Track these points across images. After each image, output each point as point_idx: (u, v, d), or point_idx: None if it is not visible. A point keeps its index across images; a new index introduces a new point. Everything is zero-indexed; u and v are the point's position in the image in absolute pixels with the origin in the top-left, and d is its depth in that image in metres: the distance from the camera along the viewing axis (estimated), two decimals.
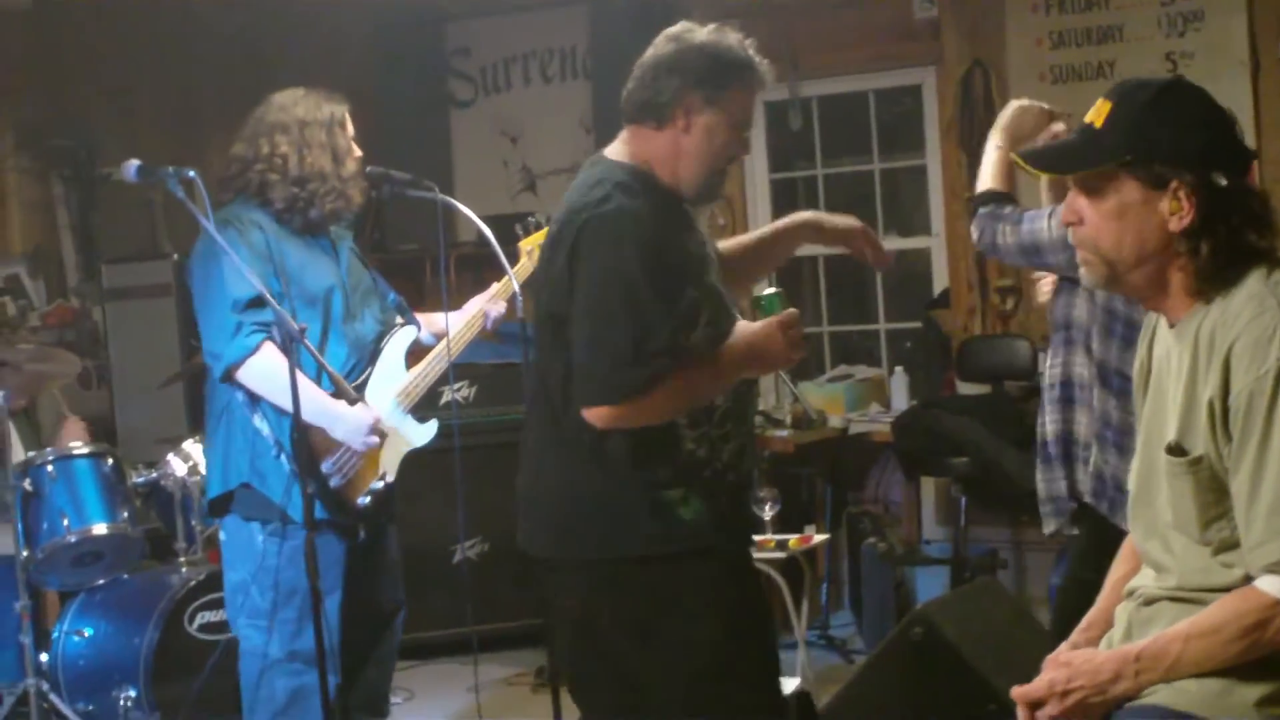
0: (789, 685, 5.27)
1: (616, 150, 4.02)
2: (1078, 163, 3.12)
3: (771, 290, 4.04)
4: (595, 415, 3.78)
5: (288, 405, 4.92)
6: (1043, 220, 4.62)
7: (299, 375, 4.82)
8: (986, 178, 4.89)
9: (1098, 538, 4.37)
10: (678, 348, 3.80)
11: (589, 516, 3.92)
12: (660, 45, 3.97)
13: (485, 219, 5.45)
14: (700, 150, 3.96)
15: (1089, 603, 3.42)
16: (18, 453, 6.85)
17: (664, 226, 3.87)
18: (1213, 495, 3.00)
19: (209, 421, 5.40)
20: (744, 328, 3.95)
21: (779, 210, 9.21)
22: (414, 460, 5.45)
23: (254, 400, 5.17)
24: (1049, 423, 4.79)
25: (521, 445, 4.10)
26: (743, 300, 4.46)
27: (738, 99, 3.97)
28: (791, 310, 3.97)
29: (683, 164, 3.97)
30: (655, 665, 3.91)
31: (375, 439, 5.21)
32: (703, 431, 3.92)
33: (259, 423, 5.18)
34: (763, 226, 8.93)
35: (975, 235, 4.83)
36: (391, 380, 5.40)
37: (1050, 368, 4.85)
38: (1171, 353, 3.11)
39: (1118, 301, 4.50)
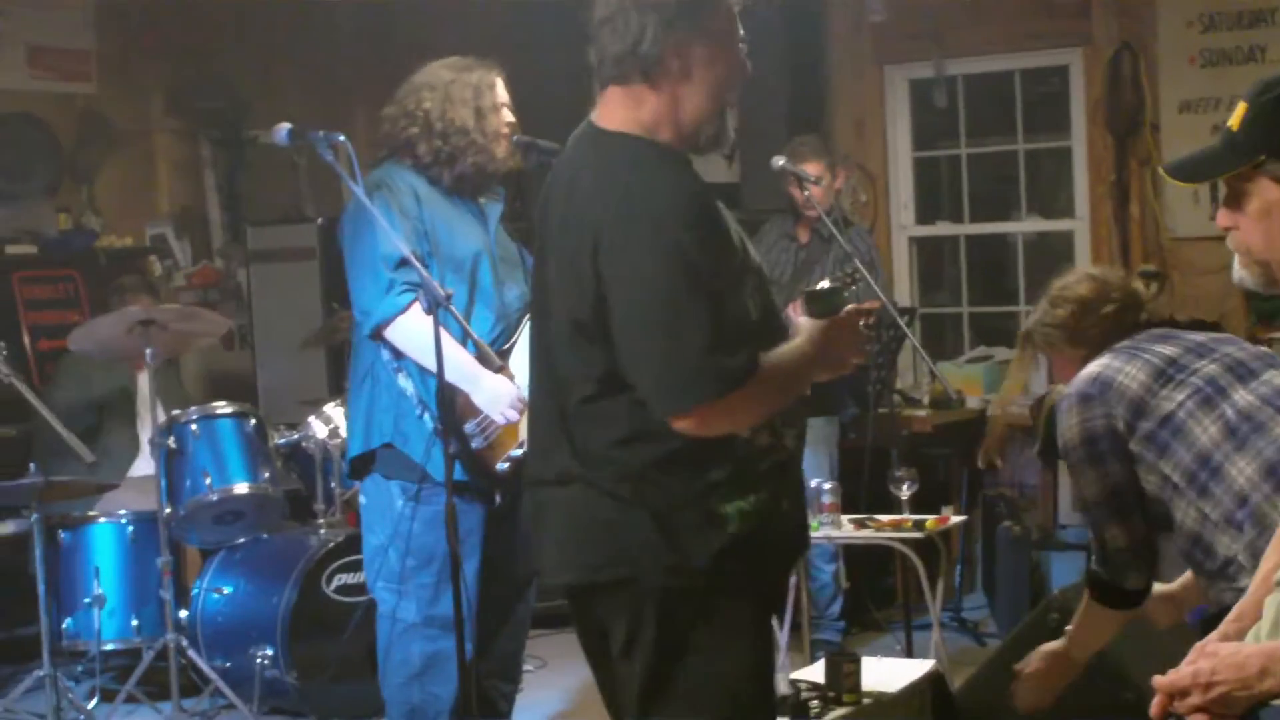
0: (923, 666, 5.25)
1: (612, 119, 3.52)
2: (1216, 168, 3.09)
3: (828, 284, 3.89)
4: (688, 424, 3.34)
5: (431, 365, 4.97)
6: None
7: (445, 337, 4.87)
8: None
9: None
10: (752, 333, 3.43)
11: (671, 510, 3.46)
12: None
13: None
14: (703, 92, 3.51)
15: None
16: (160, 411, 6.93)
17: (696, 200, 3.44)
18: None
19: (353, 381, 5.46)
20: (806, 324, 3.57)
21: (921, 188, 9.17)
22: None
23: (399, 360, 5.22)
24: None
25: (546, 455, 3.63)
26: None
27: (721, 16, 3.52)
28: (852, 306, 3.63)
29: (686, 113, 3.50)
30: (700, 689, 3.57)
31: (515, 413, 5.22)
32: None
33: (404, 382, 5.23)
34: (902, 209, 8.95)
35: None
36: None
37: None
38: None
39: None
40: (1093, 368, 4.06)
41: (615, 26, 3.45)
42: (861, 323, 3.61)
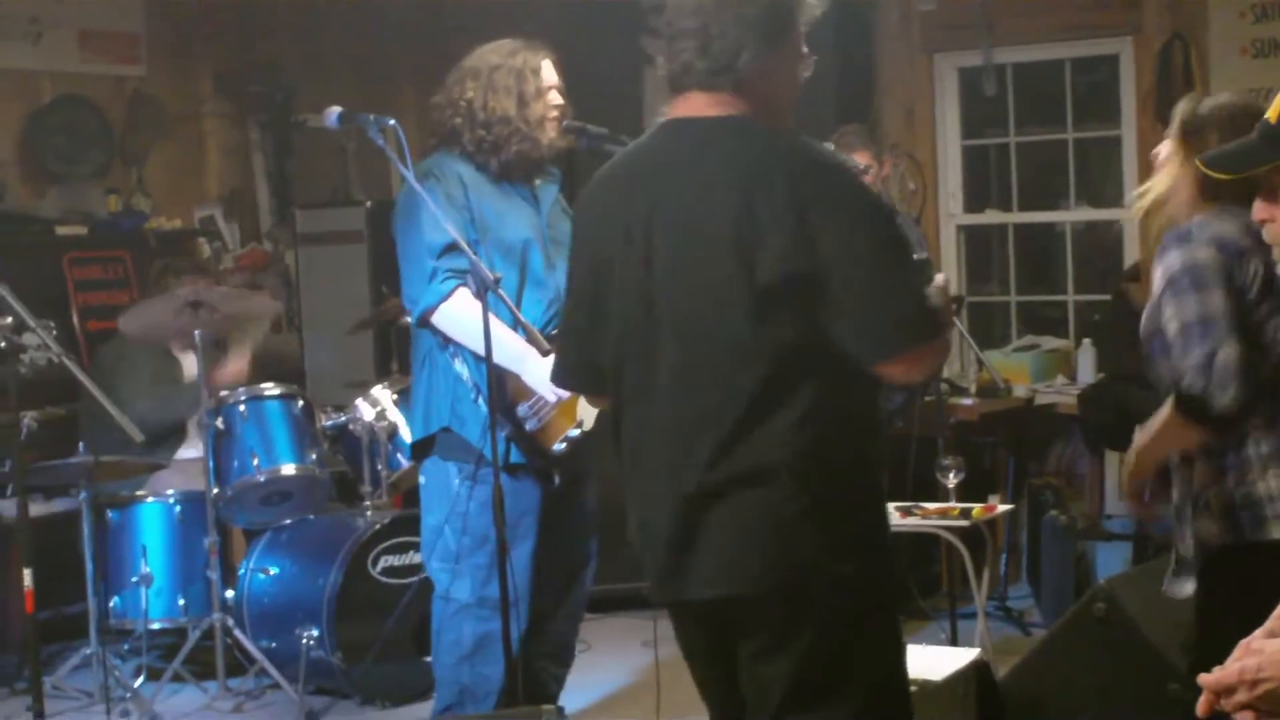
0: (968, 655, 5.24)
1: (711, 111, 3.55)
2: (1253, 161, 3.08)
3: (922, 255, 3.93)
4: (908, 363, 3.48)
5: (479, 349, 5.04)
6: None
7: (494, 322, 4.89)
8: None
9: None
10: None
11: (849, 520, 3.52)
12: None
13: None
14: (783, 103, 3.62)
15: None
16: (205, 394, 6.96)
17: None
18: None
19: (414, 367, 5.53)
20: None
21: (970, 176, 9.15)
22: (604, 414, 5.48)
23: (454, 345, 5.26)
24: None
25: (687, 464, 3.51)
26: None
27: (798, 38, 3.60)
28: (943, 274, 3.81)
29: (774, 118, 3.59)
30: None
31: (565, 391, 5.25)
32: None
33: (459, 367, 5.27)
34: (950, 197, 8.93)
35: None
36: None
37: None
38: None
39: None
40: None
41: (709, 39, 3.48)
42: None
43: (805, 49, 3.63)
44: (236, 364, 7.51)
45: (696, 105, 3.55)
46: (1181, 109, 4.04)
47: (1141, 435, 3.94)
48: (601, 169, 3.80)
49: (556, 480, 5.45)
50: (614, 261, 3.62)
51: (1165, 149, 4.02)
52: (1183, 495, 4.00)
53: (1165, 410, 3.82)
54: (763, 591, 3.49)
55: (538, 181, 5.51)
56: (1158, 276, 3.83)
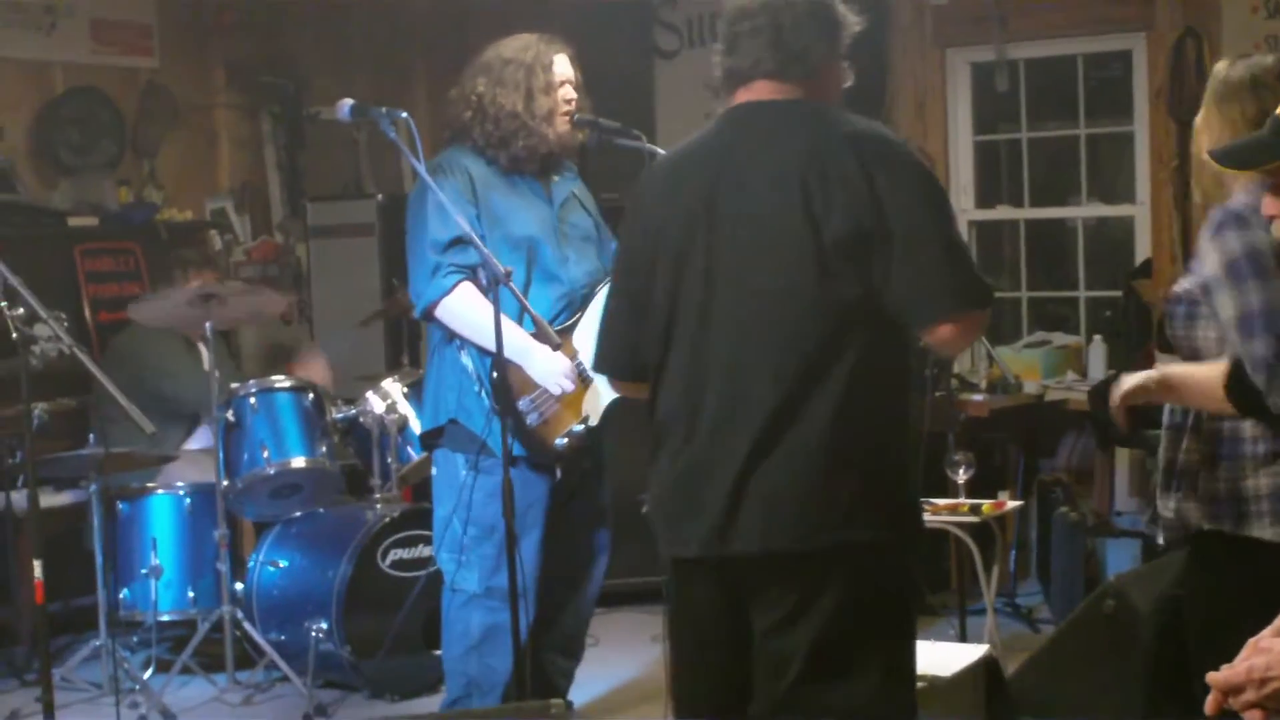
0: (977, 651, 5.24)
1: (778, 95, 3.75)
2: (1263, 156, 3.07)
3: None
4: (960, 326, 3.64)
5: (482, 343, 5.16)
6: None
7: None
8: None
9: None
10: None
11: (888, 480, 3.68)
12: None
13: None
14: (838, 99, 3.85)
15: None
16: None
17: None
18: None
19: (426, 358, 5.59)
20: None
21: (982, 172, 9.15)
22: (627, 404, 5.47)
23: (458, 338, 5.28)
24: None
25: (742, 424, 3.65)
26: None
27: (843, 42, 3.86)
28: None
29: None
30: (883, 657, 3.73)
31: (569, 384, 5.29)
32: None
33: (465, 360, 5.32)
34: (962, 193, 8.92)
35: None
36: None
37: None
38: None
39: None
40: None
41: (784, 33, 3.70)
42: None
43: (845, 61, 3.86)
44: (314, 365, 7.58)
45: (762, 91, 3.75)
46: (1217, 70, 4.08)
47: (1178, 373, 3.93)
48: (660, 158, 3.99)
49: (558, 475, 5.45)
50: (672, 244, 3.75)
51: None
52: (1169, 453, 4.00)
53: (1214, 377, 3.81)
54: (805, 549, 3.61)
55: (554, 177, 5.53)
56: (1213, 257, 3.78)
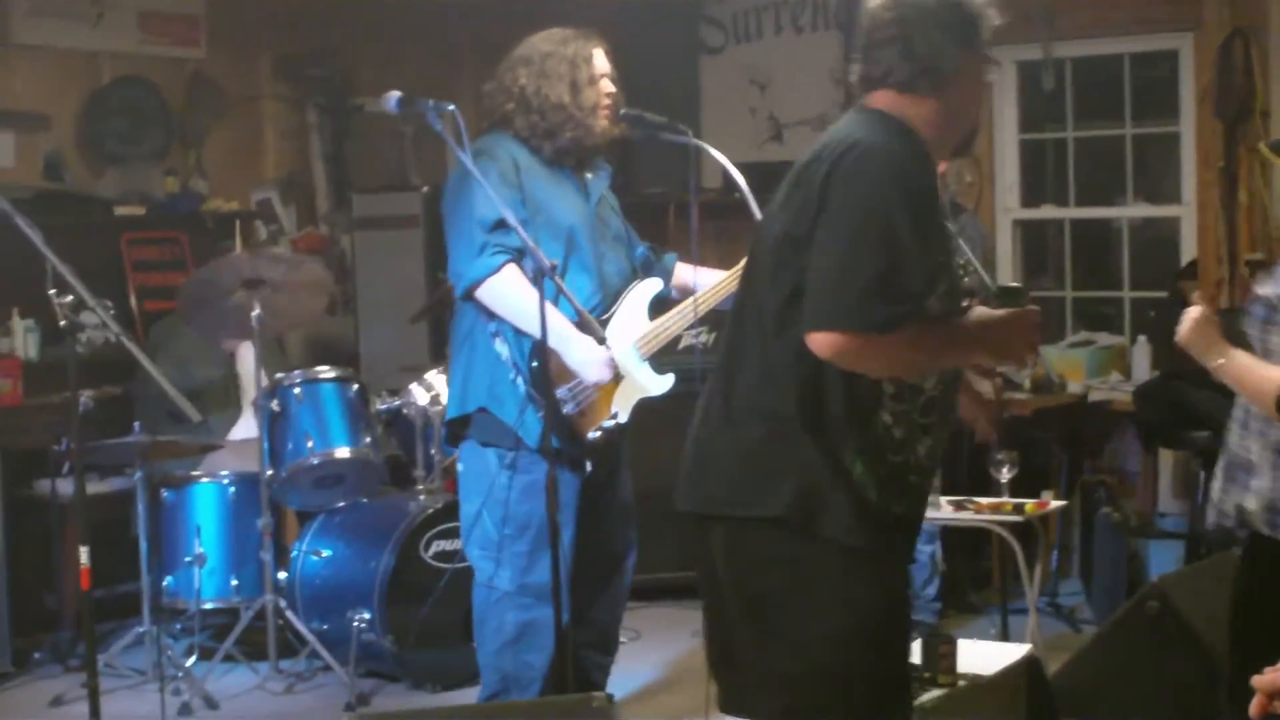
0: (1019, 650, 5.23)
1: (881, 104, 3.79)
2: None
3: (1015, 284, 3.96)
4: (824, 341, 3.55)
5: (524, 325, 5.12)
6: None
7: (538, 300, 4.92)
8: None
9: None
10: (921, 301, 3.61)
11: (762, 467, 3.70)
12: (905, 4, 3.76)
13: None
14: (969, 107, 3.85)
15: None
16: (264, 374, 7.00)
17: (927, 184, 3.72)
18: None
19: (453, 346, 5.55)
20: (984, 312, 3.78)
21: (1027, 171, 9.12)
22: (647, 402, 5.49)
23: (496, 323, 5.27)
24: None
25: (705, 395, 3.89)
26: None
27: (984, 45, 3.81)
28: (1035, 308, 3.81)
29: (952, 124, 3.81)
30: (776, 647, 3.74)
31: (608, 373, 5.28)
32: (905, 410, 3.70)
33: (499, 346, 5.29)
34: (1007, 191, 8.91)
35: None
36: (632, 325, 5.45)
37: None
38: None
39: None
40: None
41: (913, 42, 3.71)
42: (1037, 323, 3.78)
43: (989, 68, 3.86)
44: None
45: (876, 100, 3.79)
46: None
47: (1242, 363, 3.96)
48: None
49: (589, 468, 5.45)
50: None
51: None
52: (1237, 449, 4.02)
53: (1272, 381, 3.85)
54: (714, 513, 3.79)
55: (588, 175, 5.53)
56: None
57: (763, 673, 3.78)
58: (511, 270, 5.20)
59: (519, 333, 5.24)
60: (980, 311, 3.78)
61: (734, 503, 3.73)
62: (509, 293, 5.21)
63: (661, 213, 9.17)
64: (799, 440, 3.65)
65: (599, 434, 5.38)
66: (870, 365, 3.61)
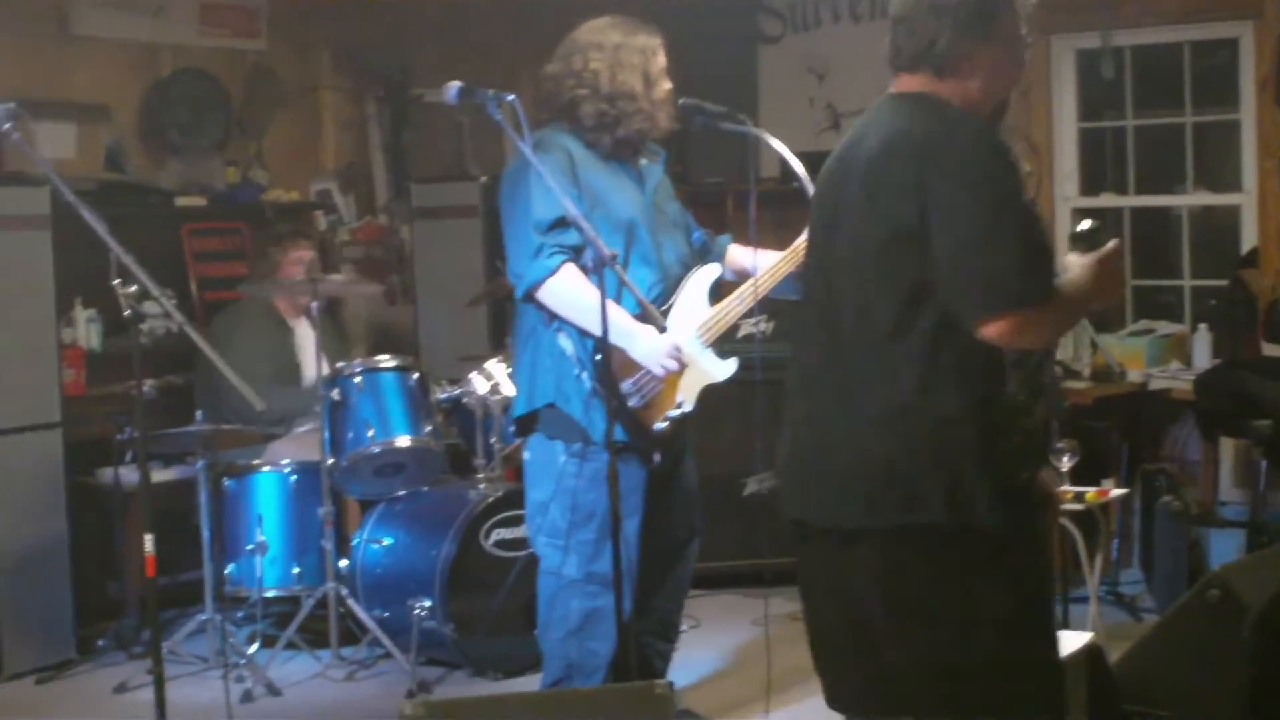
0: (1080, 638, 5.22)
1: (909, 87, 3.84)
2: None
3: (1092, 223, 3.95)
4: (998, 327, 3.58)
5: (585, 324, 5.13)
6: None
7: (599, 295, 4.92)
8: None
9: None
10: (1054, 260, 3.70)
11: (908, 472, 3.66)
12: None
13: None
14: (985, 90, 3.83)
15: None
16: (324, 365, 7.03)
17: (1004, 145, 3.74)
18: None
19: (517, 342, 5.55)
20: (1075, 258, 3.80)
21: (1086, 159, 9.09)
22: (709, 390, 5.49)
23: (558, 320, 5.28)
24: None
25: (799, 404, 3.92)
26: None
27: (1009, 25, 3.84)
28: (1115, 240, 3.84)
29: (969, 104, 3.81)
30: (945, 647, 3.73)
31: (674, 363, 5.28)
32: (1024, 375, 3.75)
33: (563, 343, 5.30)
34: (1066, 180, 8.87)
35: None
36: (693, 313, 5.46)
37: None
38: None
39: None
40: None
41: (912, 26, 3.79)
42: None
43: (1023, 44, 3.88)
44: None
45: (902, 84, 3.85)
46: None
47: None
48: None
49: (657, 459, 5.46)
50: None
51: None
52: None
53: None
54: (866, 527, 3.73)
55: (643, 161, 5.53)
56: None
57: (930, 675, 3.74)
58: (569, 270, 5.21)
59: (582, 329, 5.25)
60: (1073, 261, 3.81)
61: (884, 513, 3.70)
62: (568, 292, 5.22)
63: (719, 202, 9.18)
64: (940, 436, 3.65)
65: (665, 424, 5.39)
66: (1039, 338, 3.73)
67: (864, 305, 3.71)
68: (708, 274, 5.55)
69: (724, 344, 5.53)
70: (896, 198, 3.63)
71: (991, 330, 3.59)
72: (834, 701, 3.95)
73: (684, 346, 5.34)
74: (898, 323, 3.66)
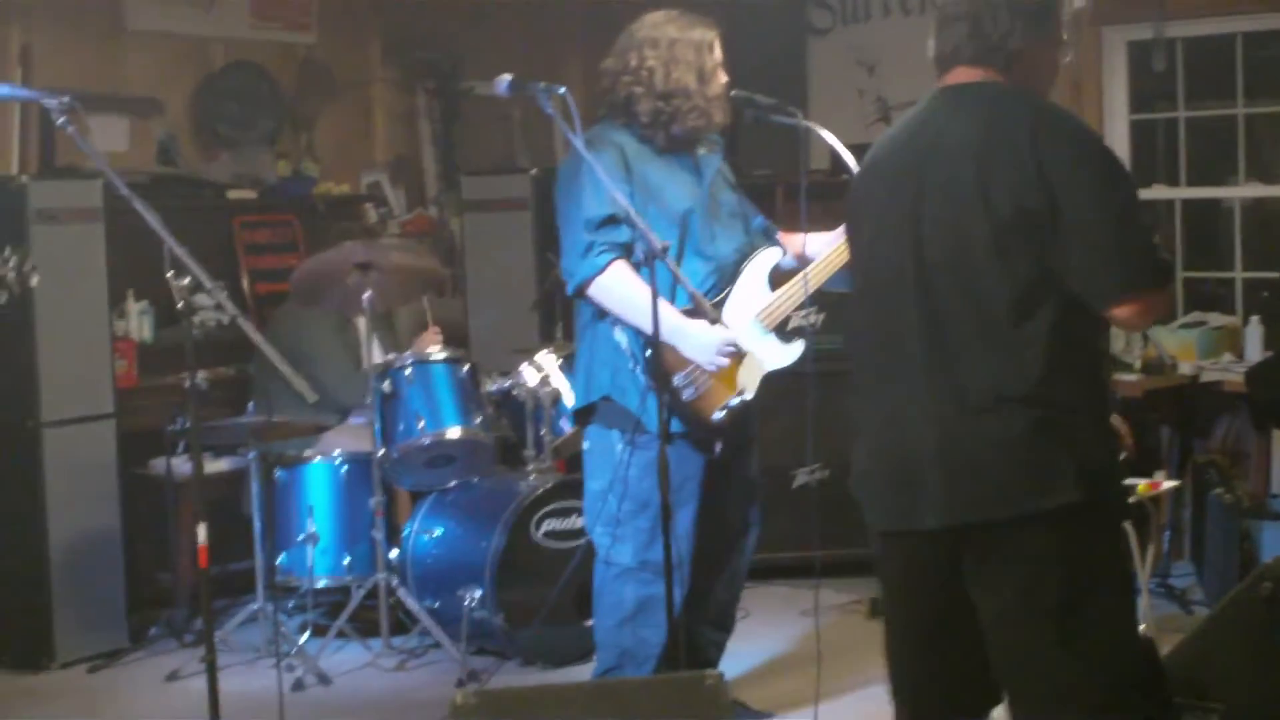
0: None
1: (968, 78, 3.86)
2: None
3: None
4: (1131, 309, 3.66)
5: (635, 321, 5.14)
6: None
7: (649, 293, 4.92)
8: None
9: None
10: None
11: (1039, 459, 3.65)
12: None
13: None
14: (1040, 89, 3.88)
15: None
16: (376, 356, 7.06)
17: None
18: None
19: (577, 335, 5.60)
20: None
21: (1138, 151, 9.05)
22: (763, 380, 5.48)
23: (611, 315, 5.30)
24: None
25: (881, 400, 3.87)
26: None
27: (1058, 23, 3.90)
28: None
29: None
30: (1087, 626, 3.75)
31: (724, 360, 5.28)
32: (1106, 349, 3.89)
33: (618, 336, 5.32)
34: None
35: None
36: (752, 300, 5.46)
37: None
38: None
39: None
40: None
41: (979, 23, 3.80)
42: None
43: (1065, 36, 3.90)
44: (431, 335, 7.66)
45: (961, 75, 3.86)
46: None
47: None
48: (878, 139, 4.05)
49: (718, 449, 5.47)
50: (885, 220, 3.88)
51: None
52: None
53: None
54: (1001, 518, 3.69)
55: (701, 151, 5.53)
56: None
57: (1078, 664, 3.76)
58: (618, 268, 5.24)
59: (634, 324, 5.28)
60: None
61: (1016, 501, 3.67)
62: (617, 290, 5.25)
63: (769, 195, 9.16)
64: (1067, 419, 3.66)
65: (724, 414, 5.39)
66: (1160, 315, 3.93)
67: (973, 294, 3.69)
68: (767, 259, 5.54)
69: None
70: (1017, 182, 3.62)
71: (1124, 310, 3.67)
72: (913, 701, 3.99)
73: (743, 334, 5.34)
74: (1018, 310, 3.64)
